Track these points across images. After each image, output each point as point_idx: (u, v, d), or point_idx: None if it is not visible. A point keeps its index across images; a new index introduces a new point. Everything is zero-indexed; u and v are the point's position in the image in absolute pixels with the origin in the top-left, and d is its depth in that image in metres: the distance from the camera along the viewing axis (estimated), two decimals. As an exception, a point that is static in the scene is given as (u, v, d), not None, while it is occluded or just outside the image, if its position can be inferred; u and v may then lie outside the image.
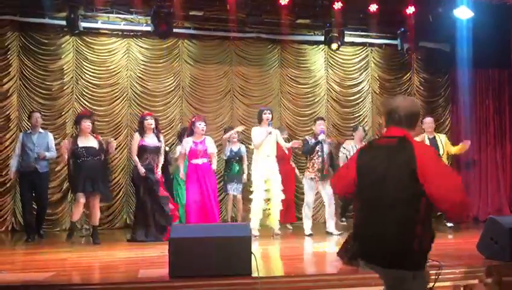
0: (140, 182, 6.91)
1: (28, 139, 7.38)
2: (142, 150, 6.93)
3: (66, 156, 6.86)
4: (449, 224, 8.15)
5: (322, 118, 7.95)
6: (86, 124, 6.78)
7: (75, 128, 7.22)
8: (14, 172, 7.38)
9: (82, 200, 6.67)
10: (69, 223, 6.97)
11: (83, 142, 6.73)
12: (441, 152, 8.03)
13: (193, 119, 7.41)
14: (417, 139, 8.08)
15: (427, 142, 8.08)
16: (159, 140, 7.07)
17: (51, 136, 7.63)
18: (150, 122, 7.00)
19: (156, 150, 7.02)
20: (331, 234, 7.38)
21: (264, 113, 7.42)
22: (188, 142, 7.21)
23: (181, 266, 4.06)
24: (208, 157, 7.21)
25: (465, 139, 8.26)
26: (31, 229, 7.36)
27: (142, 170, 6.82)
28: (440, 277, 4.15)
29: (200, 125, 7.20)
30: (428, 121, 8.25)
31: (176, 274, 4.07)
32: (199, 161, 7.09)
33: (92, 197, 6.75)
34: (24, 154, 7.31)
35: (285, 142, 7.82)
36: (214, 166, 7.38)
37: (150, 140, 6.98)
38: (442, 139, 8.16)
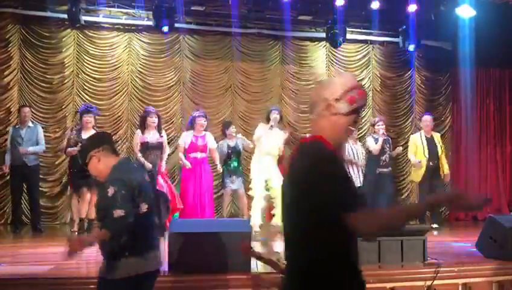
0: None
1: (16, 133, 7.38)
2: (144, 146, 6.82)
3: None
4: (434, 225, 7.64)
5: None
6: (86, 118, 6.76)
7: (77, 121, 7.22)
8: (7, 166, 7.44)
9: (88, 195, 6.69)
10: (78, 222, 6.92)
11: (86, 135, 6.67)
12: (439, 152, 7.95)
13: (195, 114, 7.38)
14: (412, 136, 8.05)
15: (423, 140, 7.96)
16: (160, 135, 7.00)
17: (40, 129, 7.57)
18: (153, 120, 6.87)
19: (159, 145, 6.92)
20: None
21: (272, 113, 7.36)
22: (188, 136, 7.17)
23: (180, 261, 4.06)
24: (207, 152, 7.17)
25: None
26: (20, 223, 7.57)
27: (149, 165, 6.72)
28: (438, 275, 4.19)
29: (200, 121, 7.17)
30: (427, 119, 8.09)
31: (175, 269, 4.07)
32: (198, 155, 7.05)
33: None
34: (13, 148, 7.33)
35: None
36: (217, 160, 7.32)
37: (152, 136, 6.89)
38: (438, 139, 8.06)
